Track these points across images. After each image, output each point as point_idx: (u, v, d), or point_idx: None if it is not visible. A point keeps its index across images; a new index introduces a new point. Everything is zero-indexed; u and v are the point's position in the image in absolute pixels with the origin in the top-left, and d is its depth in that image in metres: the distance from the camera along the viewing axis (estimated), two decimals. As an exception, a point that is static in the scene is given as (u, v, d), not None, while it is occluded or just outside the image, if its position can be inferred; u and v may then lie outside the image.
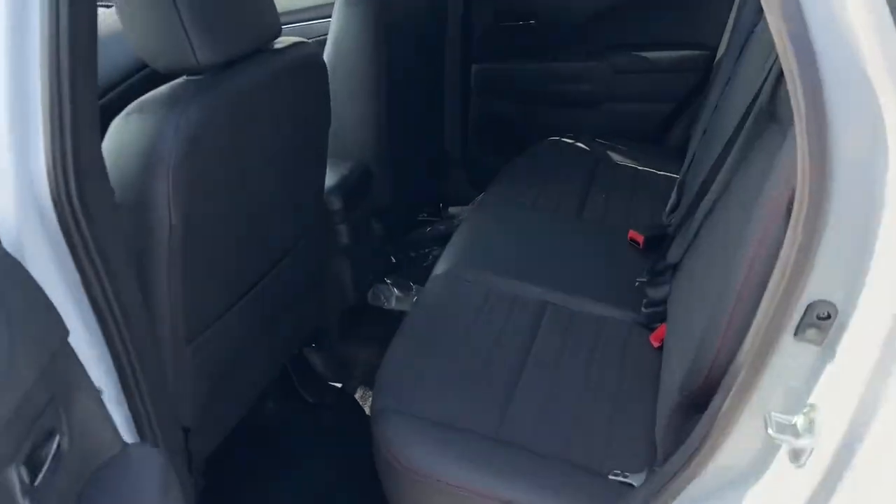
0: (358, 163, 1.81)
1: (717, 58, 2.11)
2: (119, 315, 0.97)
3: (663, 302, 1.42)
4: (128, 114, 1.08)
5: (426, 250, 2.43)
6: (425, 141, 2.28)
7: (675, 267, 1.42)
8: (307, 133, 1.43)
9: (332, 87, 1.68)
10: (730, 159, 1.28)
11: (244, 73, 1.20)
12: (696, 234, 1.35)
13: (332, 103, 1.50)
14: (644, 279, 1.47)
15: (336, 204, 1.69)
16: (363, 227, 1.83)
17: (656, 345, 1.41)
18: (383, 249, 2.01)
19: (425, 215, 2.58)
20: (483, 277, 1.56)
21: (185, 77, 1.14)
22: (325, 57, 1.80)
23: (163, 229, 1.08)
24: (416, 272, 2.33)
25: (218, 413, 1.36)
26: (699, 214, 1.37)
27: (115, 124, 1.08)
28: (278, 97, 1.28)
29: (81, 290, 0.94)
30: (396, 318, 2.02)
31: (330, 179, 1.69)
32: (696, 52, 2.19)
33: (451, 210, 2.62)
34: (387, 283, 2.11)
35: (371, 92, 1.80)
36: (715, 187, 1.32)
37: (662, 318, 1.44)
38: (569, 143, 2.21)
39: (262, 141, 1.26)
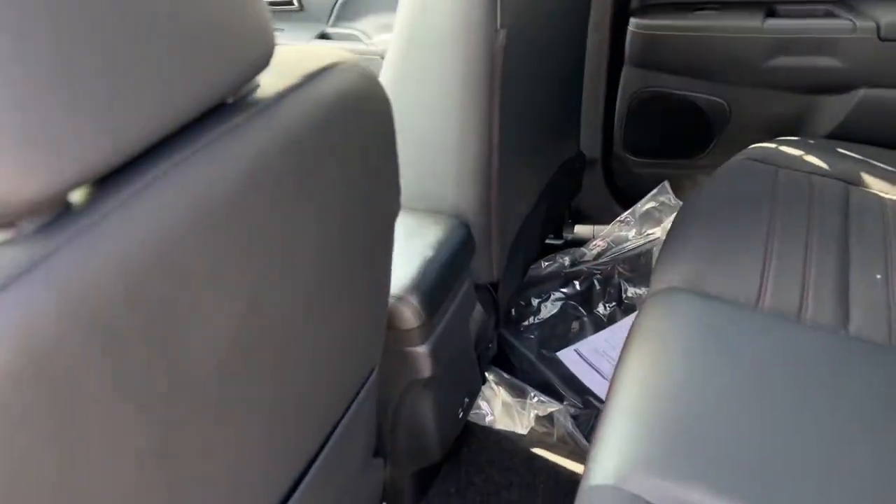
0: (447, 228, 1.04)
1: None
2: None
3: None
4: None
5: (543, 297, 1.66)
6: (556, 145, 1.47)
7: None
8: (350, 236, 0.66)
9: (403, 99, 0.91)
10: None
11: (168, 180, 0.44)
12: None
13: (400, 128, 0.73)
14: None
15: (411, 320, 0.93)
16: (455, 337, 1.07)
17: None
18: (487, 339, 1.25)
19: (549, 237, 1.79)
20: (690, 500, 0.80)
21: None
22: (393, 51, 1.01)
23: None
24: (528, 339, 1.58)
25: None
26: None
27: None
28: (278, 196, 0.52)
29: None
30: (506, 449, 1.29)
31: (400, 273, 0.93)
32: None
33: (578, 230, 1.81)
34: (487, 379, 1.37)
35: (474, 105, 1.01)
36: None
37: None
38: (794, 155, 1.34)
39: (245, 289, 0.51)
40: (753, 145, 1.39)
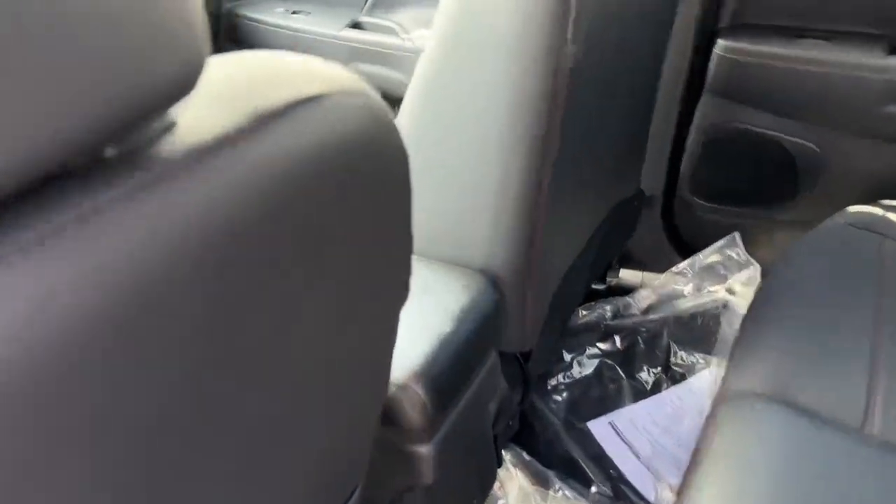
0: (474, 290, 0.81)
1: None
2: None
3: None
4: None
5: (577, 352, 1.43)
6: (615, 183, 1.23)
7: None
8: (327, 343, 0.44)
9: (435, 119, 0.70)
10: None
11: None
12: None
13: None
14: None
15: (414, 418, 0.71)
16: (469, 431, 0.85)
17: None
18: (508, 416, 1.02)
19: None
20: None
21: None
22: (429, 54, 0.79)
23: None
24: (555, 402, 1.35)
25: None
26: None
27: None
28: (196, 306, 0.30)
29: None
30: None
31: (406, 352, 0.71)
32: None
33: (623, 275, 1.57)
34: (503, 461, 1.14)
35: (525, 133, 0.78)
36: None
37: None
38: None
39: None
40: (852, 207, 1.14)
